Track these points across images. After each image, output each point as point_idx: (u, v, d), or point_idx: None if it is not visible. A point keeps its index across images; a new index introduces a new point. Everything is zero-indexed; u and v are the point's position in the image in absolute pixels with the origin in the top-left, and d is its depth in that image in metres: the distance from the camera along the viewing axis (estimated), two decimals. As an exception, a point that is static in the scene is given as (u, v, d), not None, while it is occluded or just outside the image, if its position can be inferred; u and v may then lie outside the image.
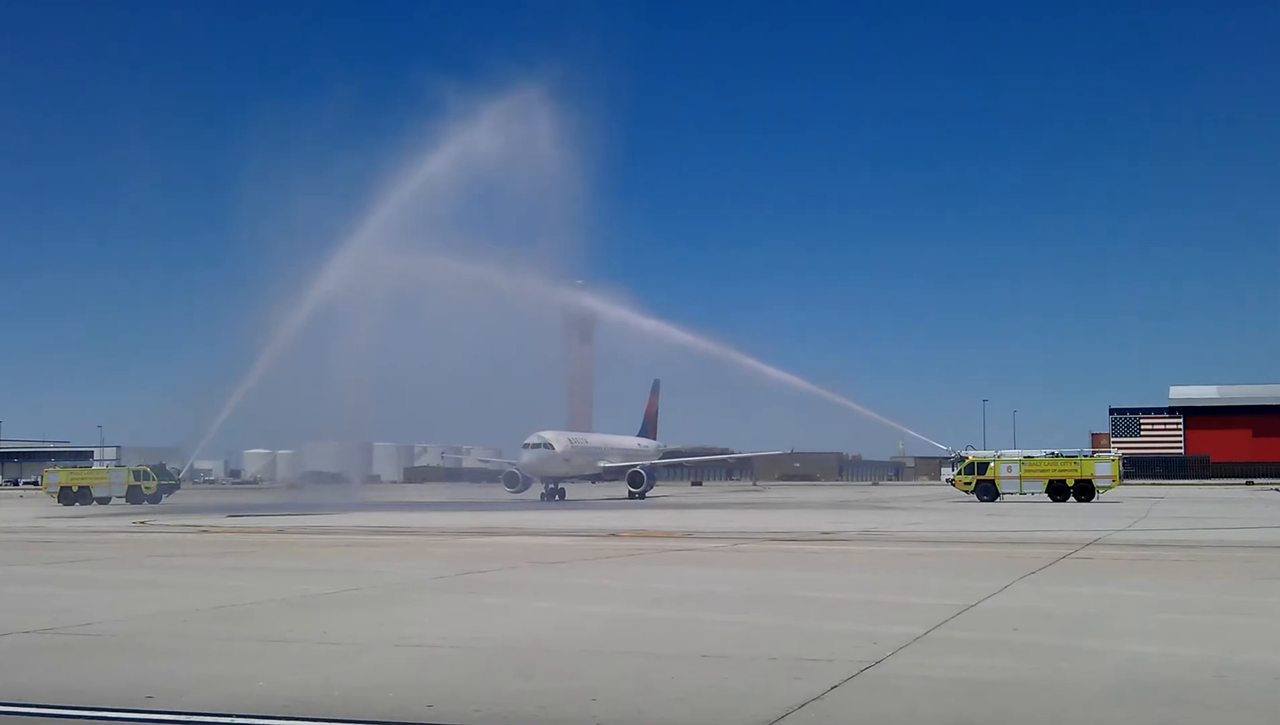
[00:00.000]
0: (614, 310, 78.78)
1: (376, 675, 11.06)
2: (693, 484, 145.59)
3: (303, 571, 23.00)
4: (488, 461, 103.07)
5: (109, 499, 70.54)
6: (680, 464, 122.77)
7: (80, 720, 9.27)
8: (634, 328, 77.13)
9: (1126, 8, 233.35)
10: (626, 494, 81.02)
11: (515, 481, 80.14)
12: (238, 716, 9.12)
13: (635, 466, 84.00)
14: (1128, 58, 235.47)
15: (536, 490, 78.83)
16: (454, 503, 68.92)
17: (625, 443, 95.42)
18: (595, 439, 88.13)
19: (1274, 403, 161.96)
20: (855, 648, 12.20)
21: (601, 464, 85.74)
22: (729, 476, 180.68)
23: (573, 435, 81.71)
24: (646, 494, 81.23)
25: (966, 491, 65.91)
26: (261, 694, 10.04)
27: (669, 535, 33.50)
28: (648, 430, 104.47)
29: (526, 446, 75.92)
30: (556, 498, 77.69)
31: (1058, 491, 63.08)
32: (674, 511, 55.18)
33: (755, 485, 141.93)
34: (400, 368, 74.36)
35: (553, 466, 77.06)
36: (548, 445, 76.37)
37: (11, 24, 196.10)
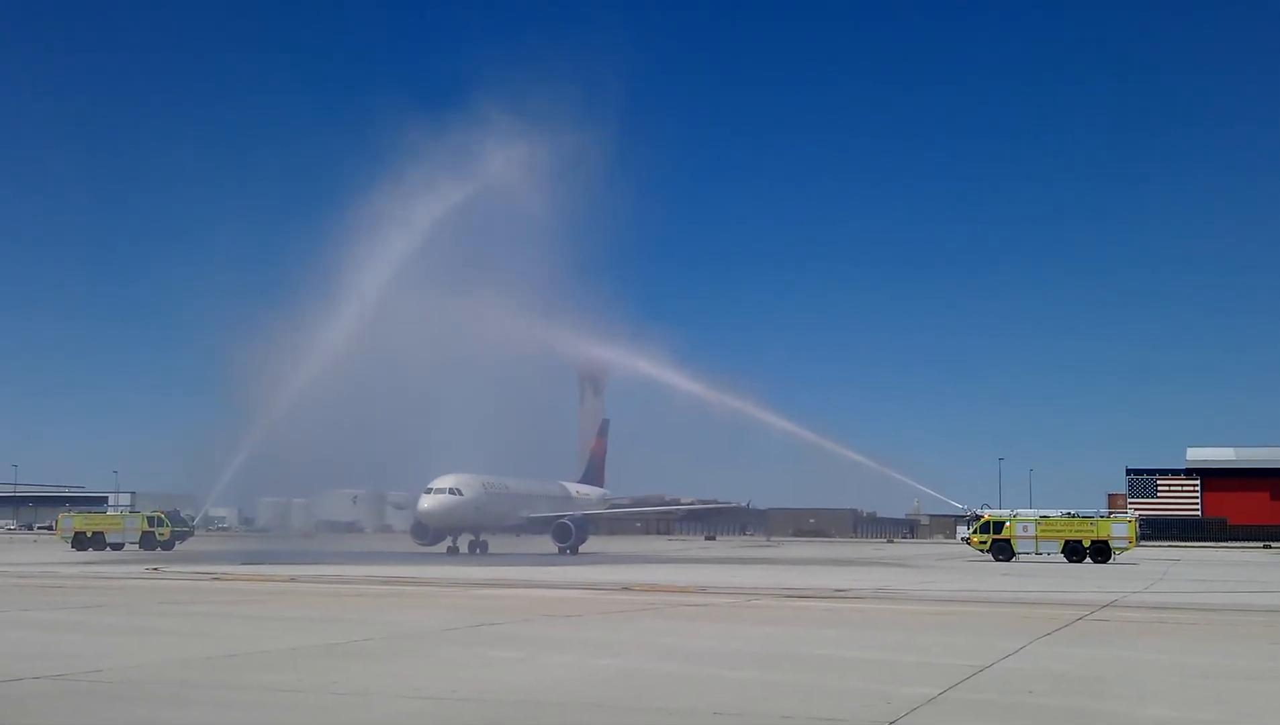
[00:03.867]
0: (629, 361, 76.22)
1: (386, 727, 10.98)
2: (706, 538, 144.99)
3: (314, 621, 22.92)
4: None
5: (122, 545, 70.48)
6: (629, 513, 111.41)
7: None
8: (645, 378, 74.78)
9: (1158, 72, 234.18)
10: (557, 549, 71.79)
11: (425, 533, 70.41)
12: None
13: (563, 518, 74.25)
14: (1151, 114, 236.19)
15: (447, 543, 70.93)
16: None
17: (559, 489, 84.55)
18: (520, 484, 76.32)
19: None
20: (868, 708, 12.09)
21: (525, 514, 75.35)
22: (743, 531, 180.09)
23: (490, 479, 71.44)
24: (578, 549, 72.44)
25: (982, 550, 65.53)
26: (270, 744, 9.97)
27: (682, 590, 33.33)
28: (593, 476, 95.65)
29: (429, 491, 66.64)
30: (477, 551, 71.45)
31: (1074, 552, 62.69)
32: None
33: (769, 540, 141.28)
34: (413, 416, 73.66)
35: (461, 516, 68.07)
36: (455, 491, 67.17)
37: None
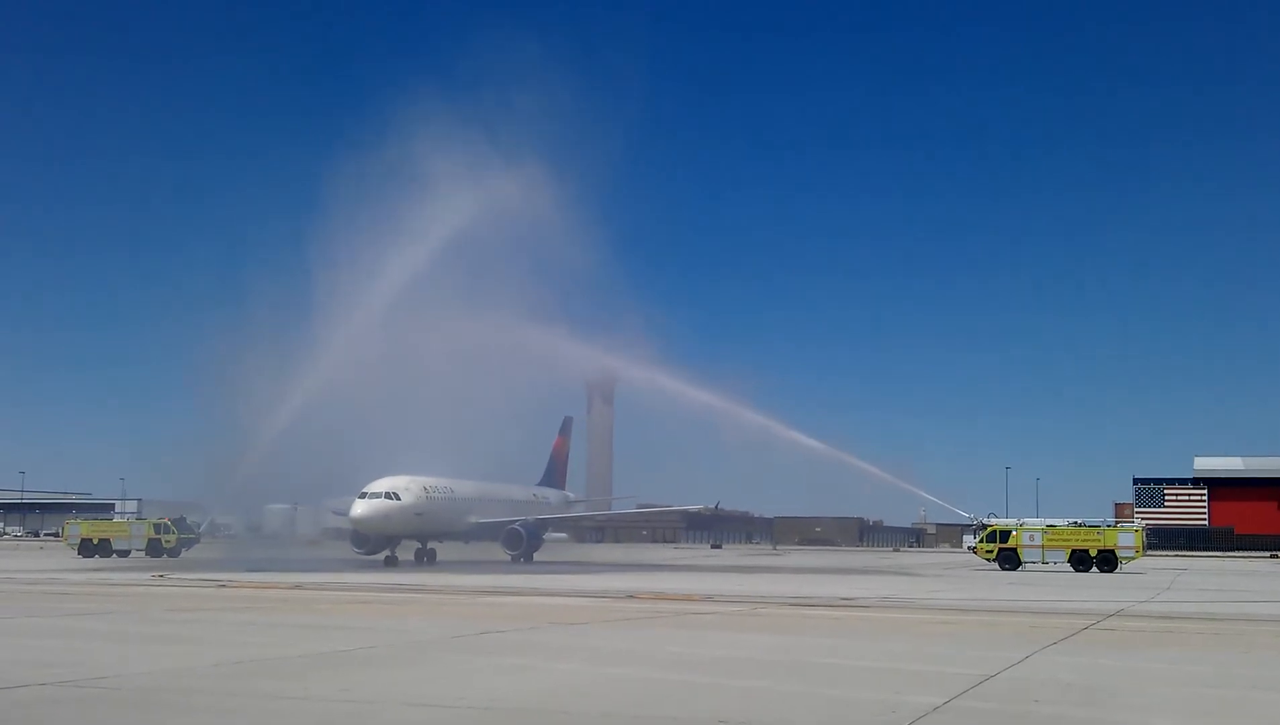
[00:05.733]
0: (638, 370, 75.94)
1: (393, 735, 11.00)
2: (712, 546, 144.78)
3: (320, 628, 22.94)
4: None
5: (129, 552, 70.59)
6: (594, 520, 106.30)
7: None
8: (653, 387, 74.38)
9: (1163, 78, 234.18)
10: (508, 557, 67.32)
11: (364, 541, 64.68)
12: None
13: (513, 523, 68.70)
14: (1155, 121, 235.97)
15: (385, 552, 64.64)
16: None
17: (512, 493, 77.84)
18: (468, 487, 70.47)
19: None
20: (874, 716, 12.11)
21: (473, 519, 69.50)
22: (748, 540, 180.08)
23: (433, 482, 65.88)
24: (532, 556, 68.24)
25: (988, 559, 65.44)
26: (277, 752, 9.99)
27: (688, 598, 33.33)
28: (553, 478, 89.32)
29: (363, 496, 61.23)
30: (425, 560, 67.10)
31: (1080, 561, 62.58)
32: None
33: (775, 549, 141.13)
34: (419, 422, 73.49)
35: (398, 522, 62.30)
36: (392, 495, 61.70)
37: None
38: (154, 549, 69.62)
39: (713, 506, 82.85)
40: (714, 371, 70.62)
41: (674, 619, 25.78)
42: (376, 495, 60.89)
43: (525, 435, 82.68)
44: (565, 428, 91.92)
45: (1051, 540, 63.99)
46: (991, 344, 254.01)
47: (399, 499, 61.52)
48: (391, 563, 61.86)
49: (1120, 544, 63.45)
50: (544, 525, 73.90)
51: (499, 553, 67.92)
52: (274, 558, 60.35)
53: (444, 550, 70.33)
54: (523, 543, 67.51)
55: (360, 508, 60.46)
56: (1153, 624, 26.23)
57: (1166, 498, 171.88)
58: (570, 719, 12.06)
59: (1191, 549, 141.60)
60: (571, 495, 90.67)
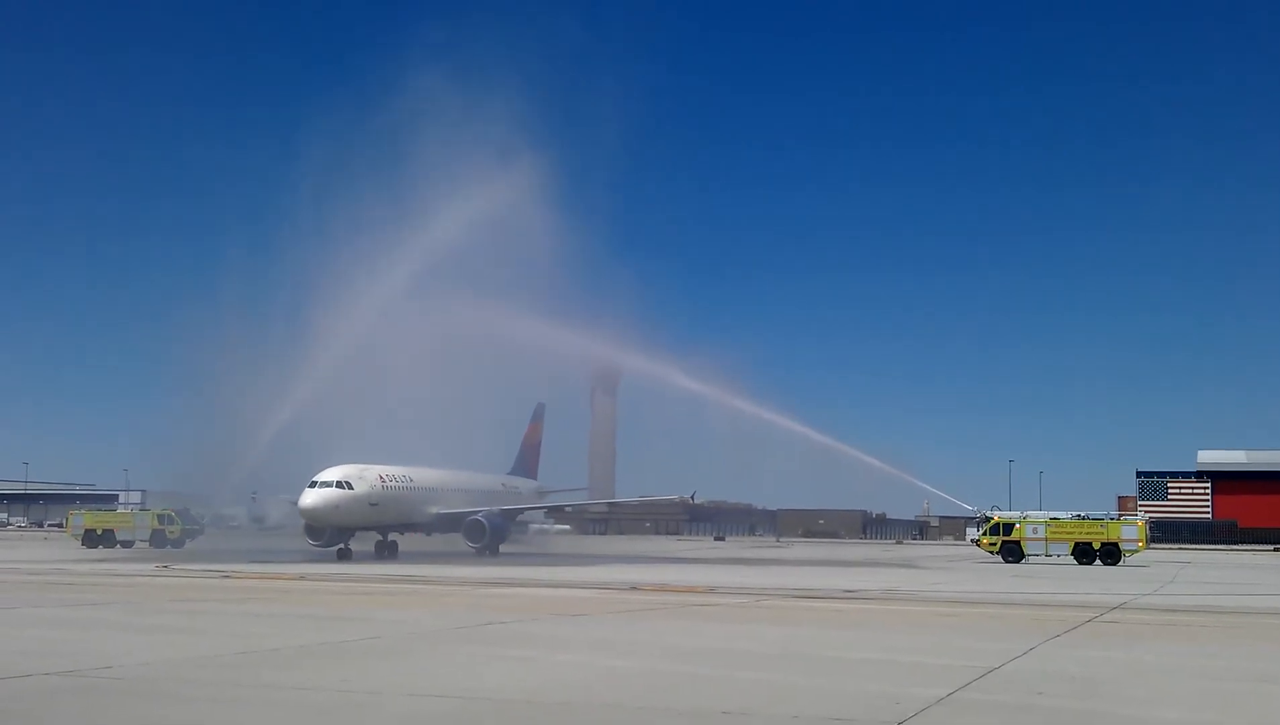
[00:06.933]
0: (642, 364, 75.67)
1: (396, 725, 10.99)
2: (715, 539, 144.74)
3: (323, 619, 22.95)
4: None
5: (133, 543, 70.59)
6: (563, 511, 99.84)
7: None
8: (656, 380, 74.11)
9: (1166, 74, 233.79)
10: (472, 549, 63.88)
11: (319, 533, 60.73)
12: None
13: (475, 514, 64.81)
14: (1156, 117, 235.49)
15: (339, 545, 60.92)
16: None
17: (478, 482, 74.33)
18: (429, 476, 67.19)
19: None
20: (878, 708, 12.08)
21: (434, 509, 65.42)
22: (752, 532, 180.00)
23: (390, 470, 62.60)
24: (497, 548, 64.51)
25: (991, 552, 65.37)
26: (280, 742, 9.98)
27: (691, 590, 33.33)
28: (525, 467, 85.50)
29: (312, 485, 57.65)
30: (385, 554, 63.40)
31: (1083, 554, 62.49)
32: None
33: (779, 541, 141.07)
34: (426, 417, 73.53)
35: (350, 513, 58.67)
36: (344, 484, 58.11)
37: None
38: (158, 540, 69.62)
39: (689, 497, 78.42)
40: (714, 365, 70.39)
41: (678, 610, 25.76)
42: (327, 484, 57.71)
43: (515, 424, 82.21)
44: (538, 414, 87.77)
45: (1055, 533, 63.90)
46: (995, 338, 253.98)
47: (351, 488, 58.23)
48: (345, 555, 58.85)
49: (1124, 537, 63.34)
50: (510, 516, 69.70)
51: (463, 544, 64.93)
52: (277, 548, 60.45)
53: (405, 542, 67.62)
54: (485, 534, 63.84)
55: (309, 498, 57.14)
56: (1156, 617, 26.21)
57: (1170, 491, 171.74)
58: (574, 710, 12.04)
59: (1195, 542, 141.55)
60: (542, 485, 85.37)
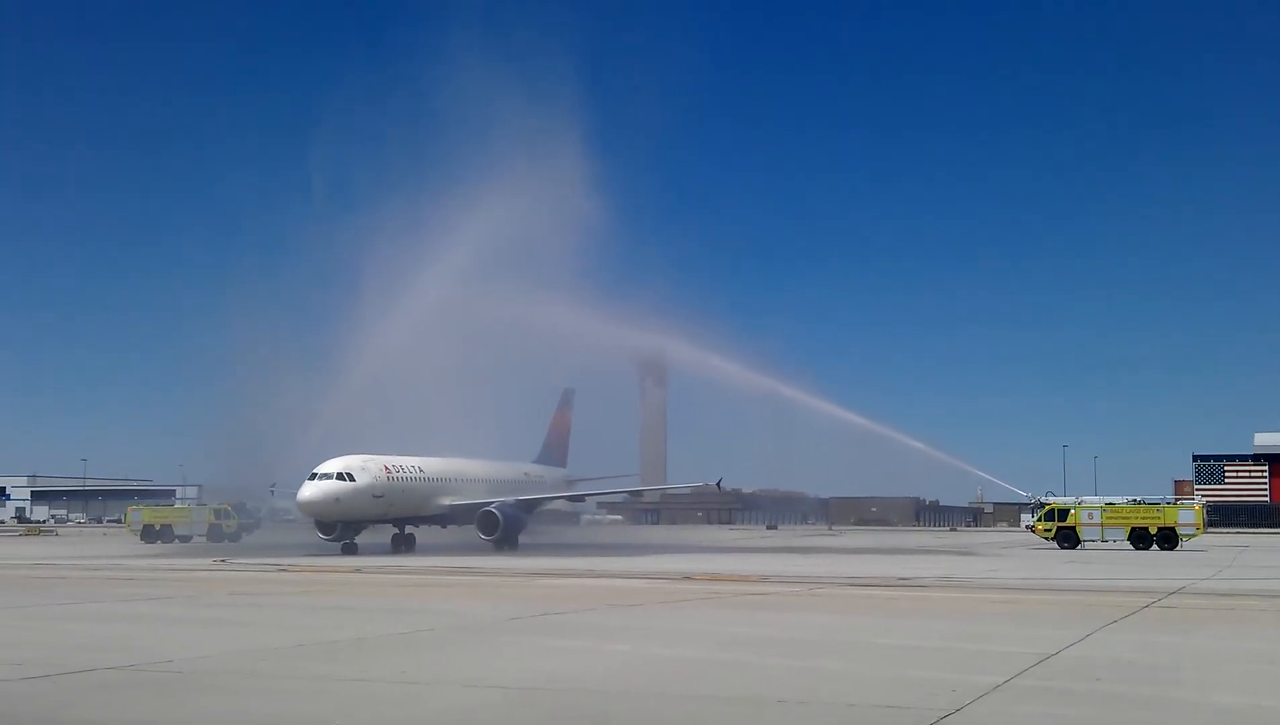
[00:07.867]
0: (689, 352, 75.23)
1: (452, 716, 11.09)
2: (768, 528, 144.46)
3: (380, 611, 23.15)
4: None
5: (190, 537, 71.39)
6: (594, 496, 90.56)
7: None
8: (707, 368, 73.76)
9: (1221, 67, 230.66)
10: (488, 542, 59.65)
11: (328, 528, 57.76)
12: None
13: (488, 506, 60.81)
14: (1207, 111, 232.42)
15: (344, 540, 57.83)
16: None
17: (496, 471, 69.91)
18: (441, 465, 64.30)
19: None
20: (934, 695, 12.06)
21: (446, 501, 62.60)
22: (804, 520, 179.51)
23: (397, 460, 60.13)
24: (515, 541, 60.96)
25: (1047, 538, 64.86)
26: (340, 733, 10.08)
27: (744, 579, 33.33)
28: (552, 455, 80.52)
29: (312, 477, 55.11)
30: (402, 548, 60.65)
31: (1140, 539, 61.88)
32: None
33: (831, 529, 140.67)
34: (453, 404, 73.30)
35: (352, 505, 55.73)
36: (345, 476, 55.32)
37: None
38: (215, 534, 70.38)
39: (715, 484, 73.29)
40: (761, 352, 70.31)
41: (731, 600, 25.80)
42: (327, 476, 55.05)
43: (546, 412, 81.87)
44: (566, 400, 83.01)
45: (1111, 518, 63.33)
46: (1050, 322, 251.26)
47: (352, 480, 55.44)
48: (350, 550, 55.80)
49: (1180, 521, 62.69)
50: (527, 506, 65.60)
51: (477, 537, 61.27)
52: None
53: (421, 535, 64.65)
54: (499, 526, 59.75)
55: (307, 491, 54.69)
56: (1215, 602, 25.97)
57: (1227, 474, 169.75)
58: (627, 699, 12.10)
59: (1253, 526, 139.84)
60: (572, 474, 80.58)
